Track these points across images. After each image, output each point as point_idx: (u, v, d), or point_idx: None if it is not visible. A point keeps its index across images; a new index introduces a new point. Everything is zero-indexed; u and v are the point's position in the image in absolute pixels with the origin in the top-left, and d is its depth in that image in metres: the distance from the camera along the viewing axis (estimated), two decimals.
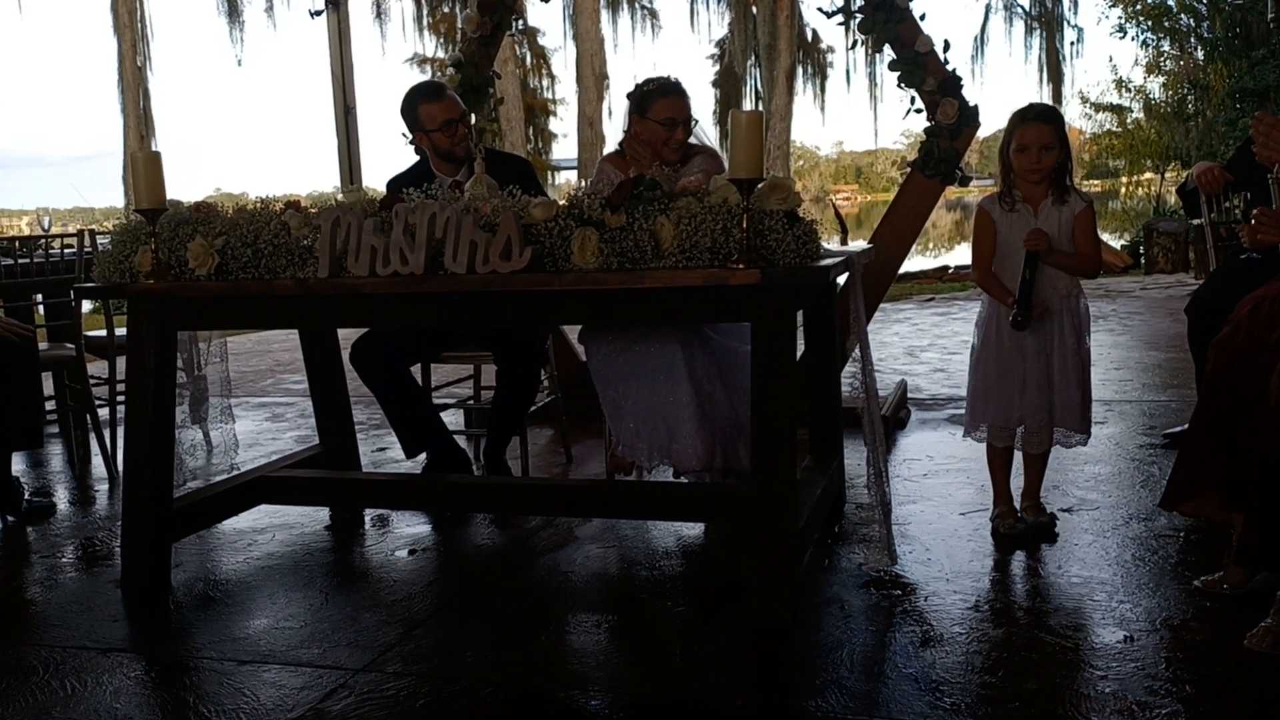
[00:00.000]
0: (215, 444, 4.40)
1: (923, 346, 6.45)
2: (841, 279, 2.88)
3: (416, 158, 3.79)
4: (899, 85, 4.21)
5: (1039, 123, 2.76)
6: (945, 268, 13.92)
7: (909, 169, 4.38)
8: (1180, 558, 2.66)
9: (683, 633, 2.39)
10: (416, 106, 3.47)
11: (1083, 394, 2.81)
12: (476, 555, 3.02)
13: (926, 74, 4.12)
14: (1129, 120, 18.41)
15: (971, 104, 4.17)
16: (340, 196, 2.87)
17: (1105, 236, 15.71)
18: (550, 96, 18.12)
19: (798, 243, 2.38)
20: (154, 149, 18.72)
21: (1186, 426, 3.75)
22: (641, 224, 2.44)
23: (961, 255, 16.39)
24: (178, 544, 2.95)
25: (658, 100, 3.20)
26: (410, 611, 2.55)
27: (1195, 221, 4.13)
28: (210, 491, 3.09)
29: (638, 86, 3.27)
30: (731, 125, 2.37)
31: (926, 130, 4.23)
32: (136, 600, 2.72)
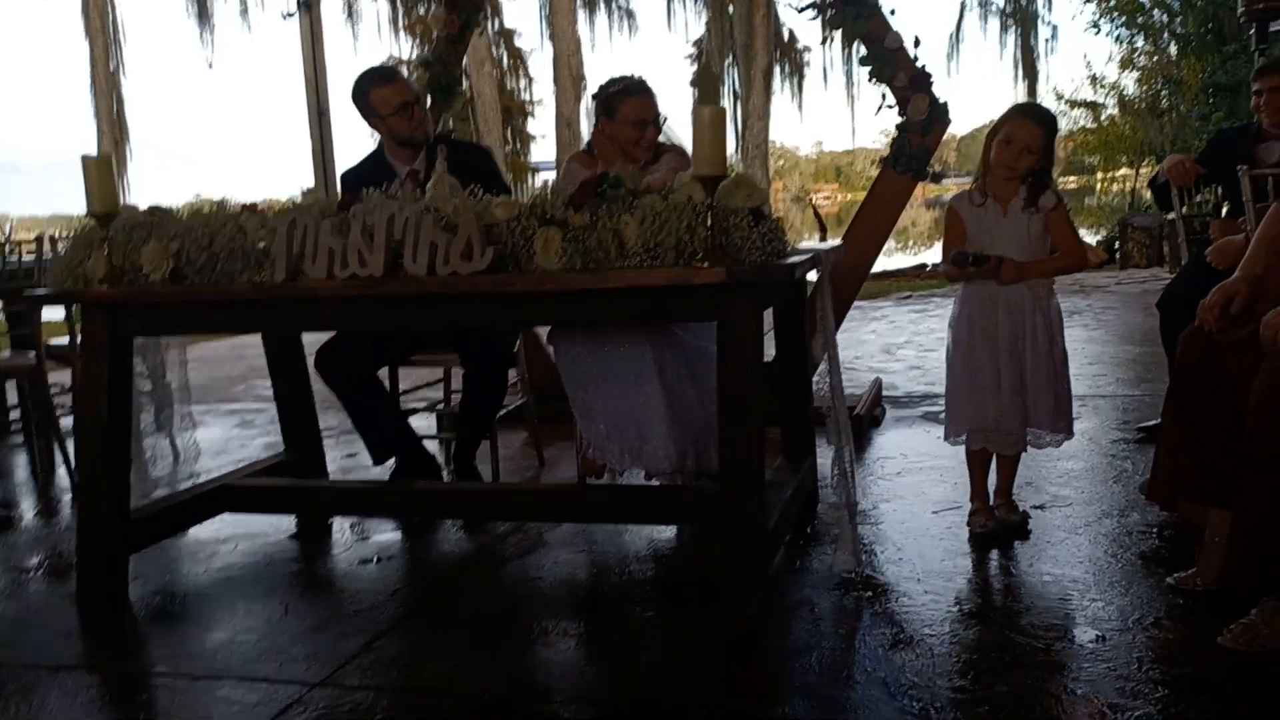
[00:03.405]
0: (180, 452, 4.33)
1: (899, 344, 6.44)
2: (813, 275, 2.84)
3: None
4: (870, 80, 4.18)
5: (1034, 124, 2.72)
6: (923, 265, 13.89)
7: (880, 163, 4.35)
8: (1154, 554, 2.64)
9: (651, 639, 2.35)
10: (368, 93, 3.32)
11: (1056, 394, 2.76)
12: (443, 562, 2.96)
13: (897, 70, 4.10)
14: (1103, 116, 18.52)
15: (942, 101, 4.14)
16: (300, 198, 2.82)
17: (1081, 232, 15.78)
18: (528, 98, 18.03)
19: (763, 240, 2.34)
20: (127, 154, 18.42)
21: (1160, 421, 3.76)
22: (605, 223, 2.40)
23: (940, 253, 16.38)
24: (138, 555, 2.88)
25: (625, 101, 3.15)
26: (373, 621, 2.49)
27: (1169, 216, 4.12)
28: (170, 502, 3.02)
29: (602, 88, 3.23)
30: (694, 122, 2.33)
31: (898, 126, 4.21)
32: (93, 615, 2.65)
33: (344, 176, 3.61)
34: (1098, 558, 2.62)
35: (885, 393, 4.73)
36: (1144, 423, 3.89)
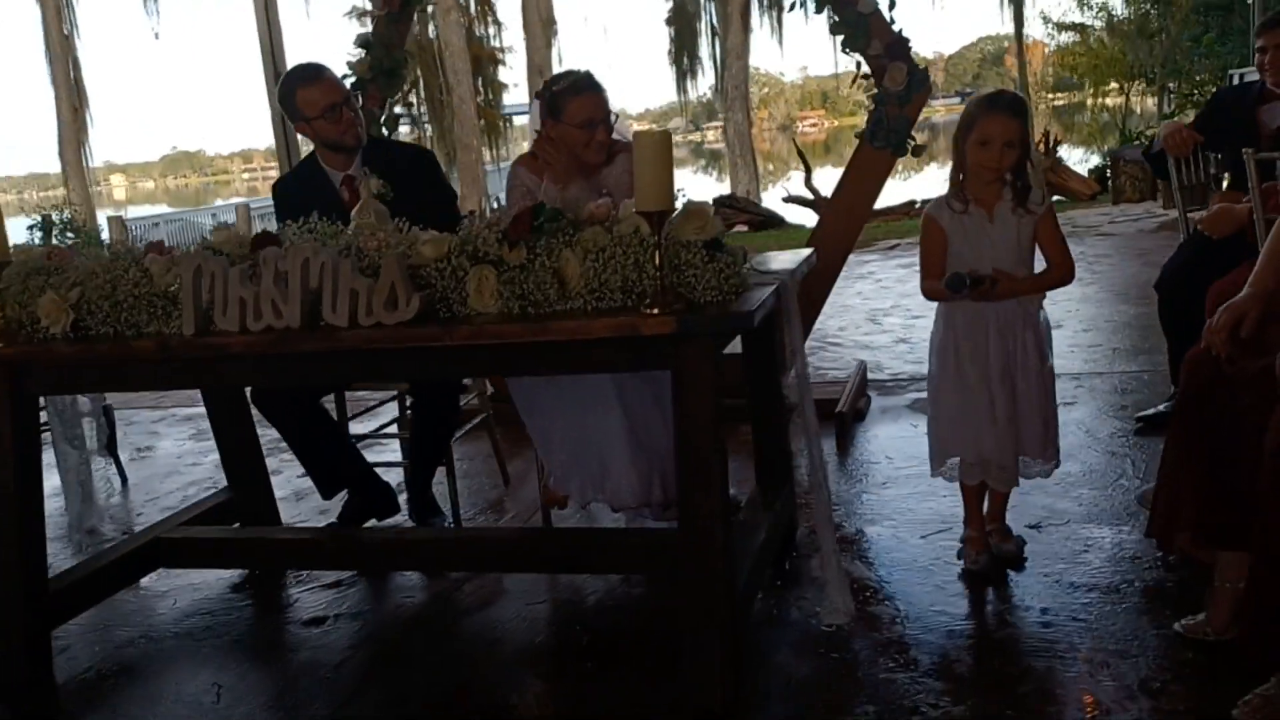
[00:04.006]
0: (127, 476, 4.11)
1: (885, 310, 6.18)
2: (794, 265, 2.55)
3: None
4: (843, 50, 3.87)
5: (1007, 115, 2.42)
6: (912, 202, 13.45)
7: (857, 139, 4.06)
8: (1159, 587, 2.43)
9: (616, 714, 2.15)
10: (294, 93, 3.05)
11: (1045, 419, 2.53)
12: (395, 617, 2.74)
13: (871, 37, 3.78)
14: (1091, 38, 18.04)
15: (922, 67, 3.85)
16: (208, 235, 2.55)
17: (1071, 159, 15.35)
18: (498, 45, 17.43)
19: (719, 278, 2.09)
20: (87, 118, 17.91)
21: (1161, 408, 3.55)
22: (544, 260, 2.15)
23: (929, 184, 15.84)
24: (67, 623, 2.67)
25: (571, 100, 2.86)
26: (315, 703, 2.29)
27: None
28: (97, 564, 2.79)
29: (546, 85, 2.94)
30: (635, 149, 2.06)
31: (874, 97, 3.91)
32: (11, 703, 2.44)
33: (276, 187, 3.34)
34: (1099, 596, 2.41)
35: (870, 375, 4.50)
36: (1143, 410, 3.67)
